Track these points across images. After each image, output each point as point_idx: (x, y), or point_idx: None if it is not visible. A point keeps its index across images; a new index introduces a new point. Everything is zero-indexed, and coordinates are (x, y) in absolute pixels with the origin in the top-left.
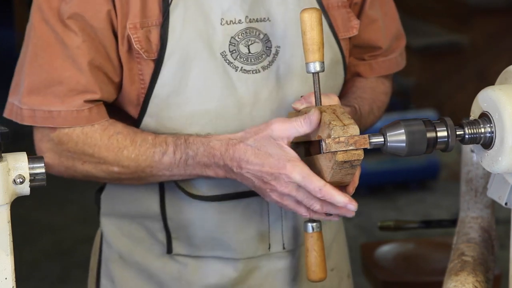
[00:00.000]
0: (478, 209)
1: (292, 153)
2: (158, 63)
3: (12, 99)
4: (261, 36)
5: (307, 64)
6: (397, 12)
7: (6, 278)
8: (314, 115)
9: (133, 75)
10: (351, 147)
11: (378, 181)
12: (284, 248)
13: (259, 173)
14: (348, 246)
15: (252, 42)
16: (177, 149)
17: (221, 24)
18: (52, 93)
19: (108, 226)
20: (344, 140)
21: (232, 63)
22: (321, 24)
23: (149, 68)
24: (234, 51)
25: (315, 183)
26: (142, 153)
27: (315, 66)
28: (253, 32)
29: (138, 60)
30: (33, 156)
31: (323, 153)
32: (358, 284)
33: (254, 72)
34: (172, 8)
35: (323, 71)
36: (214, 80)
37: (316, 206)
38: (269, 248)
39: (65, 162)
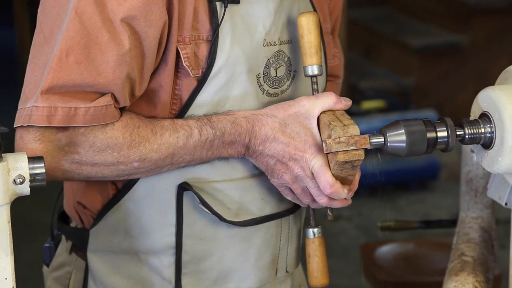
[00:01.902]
0: (478, 209)
1: (318, 137)
2: (202, 81)
3: (28, 103)
4: (286, 59)
5: (305, 67)
6: None
7: (6, 278)
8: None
9: (169, 91)
10: (351, 147)
11: (378, 181)
12: (287, 271)
13: (281, 152)
14: (348, 246)
15: (280, 65)
16: (202, 130)
17: (263, 45)
18: (78, 92)
19: (99, 264)
20: (345, 140)
21: (262, 85)
22: (318, 28)
23: (189, 85)
24: (266, 74)
25: (328, 178)
26: (165, 142)
27: (313, 69)
28: (281, 55)
29: (179, 76)
30: (33, 156)
31: (324, 153)
32: (358, 284)
33: (274, 95)
34: (222, 24)
35: (321, 74)
36: (249, 103)
37: (323, 199)
38: (276, 273)
39: (66, 165)
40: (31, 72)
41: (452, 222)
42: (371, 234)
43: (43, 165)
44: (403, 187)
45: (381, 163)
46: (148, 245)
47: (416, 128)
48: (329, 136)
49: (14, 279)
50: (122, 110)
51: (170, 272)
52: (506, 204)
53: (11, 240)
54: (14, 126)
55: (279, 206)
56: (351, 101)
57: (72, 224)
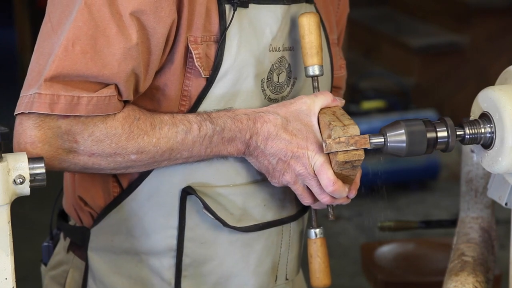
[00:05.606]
0: (478, 209)
1: (319, 134)
2: (210, 81)
3: (31, 91)
4: (286, 65)
5: (306, 68)
6: None
7: (6, 278)
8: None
9: (177, 90)
10: (351, 147)
11: (378, 181)
12: (287, 279)
13: (284, 150)
14: (348, 246)
15: (281, 71)
16: (201, 125)
17: (269, 50)
18: (81, 82)
19: (99, 263)
20: (345, 140)
21: (264, 90)
22: (319, 28)
23: (198, 86)
24: (269, 79)
25: (330, 176)
26: (164, 136)
27: (314, 70)
28: (283, 61)
29: (189, 76)
30: (33, 157)
31: (324, 153)
32: (358, 284)
33: (275, 101)
34: (229, 27)
35: (322, 74)
36: (254, 107)
37: (325, 198)
38: (276, 280)
39: (63, 154)
40: (36, 60)
41: (452, 222)
42: (371, 234)
43: (43, 165)
44: (403, 187)
45: (381, 163)
46: (149, 246)
47: (416, 128)
48: (329, 136)
49: (14, 279)
50: (125, 103)
51: (170, 274)
52: (506, 204)
53: (11, 240)
54: (15, 114)
55: (281, 212)
56: (344, 101)
57: (71, 223)
